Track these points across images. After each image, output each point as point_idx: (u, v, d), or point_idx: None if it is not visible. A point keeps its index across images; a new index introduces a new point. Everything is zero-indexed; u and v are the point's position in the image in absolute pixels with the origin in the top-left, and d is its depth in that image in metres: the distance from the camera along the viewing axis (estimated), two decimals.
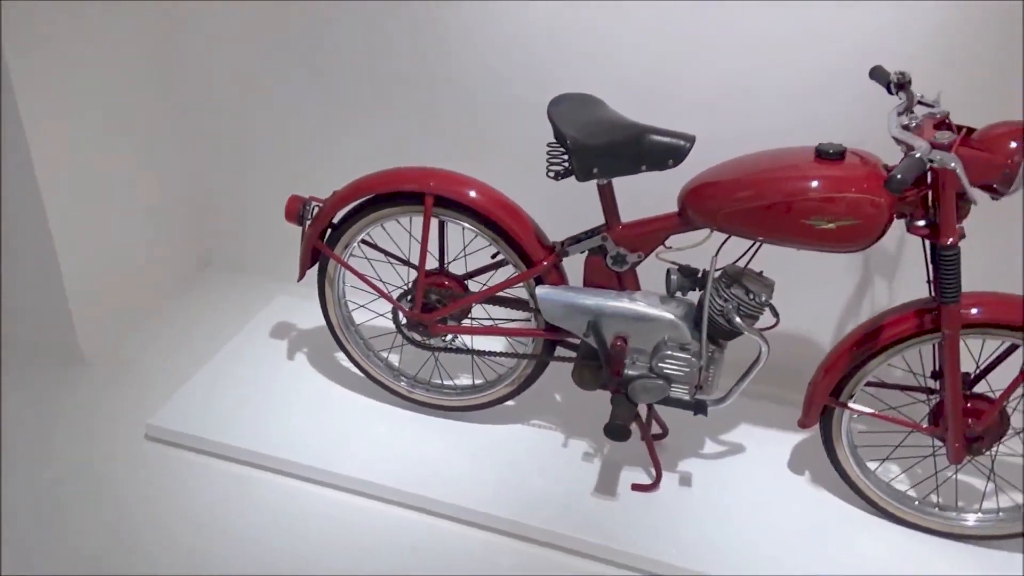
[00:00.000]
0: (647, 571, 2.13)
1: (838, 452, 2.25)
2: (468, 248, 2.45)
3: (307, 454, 2.35)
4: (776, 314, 2.19)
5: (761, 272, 2.12)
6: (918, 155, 1.63)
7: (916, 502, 2.26)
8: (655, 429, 2.48)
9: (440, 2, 2.48)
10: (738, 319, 2.07)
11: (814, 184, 1.86)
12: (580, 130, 1.97)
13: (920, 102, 1.95)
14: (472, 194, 2.14)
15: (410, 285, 2.36)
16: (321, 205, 2.29)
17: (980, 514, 2.22)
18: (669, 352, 2.12)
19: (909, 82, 1.96)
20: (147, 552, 2.11)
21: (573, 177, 2.02)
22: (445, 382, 2.53)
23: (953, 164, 1.70)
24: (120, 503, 2.25)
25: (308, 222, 2.30)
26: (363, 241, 2.34)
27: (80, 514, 2.21)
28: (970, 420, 2.05)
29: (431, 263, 2.38)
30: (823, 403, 2.16)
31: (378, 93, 2.68)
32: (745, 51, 2.31)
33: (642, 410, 2.37)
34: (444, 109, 2.63)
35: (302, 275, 2.37)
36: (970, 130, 1.87)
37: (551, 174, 2.01)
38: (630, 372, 2.17)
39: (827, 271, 2.50)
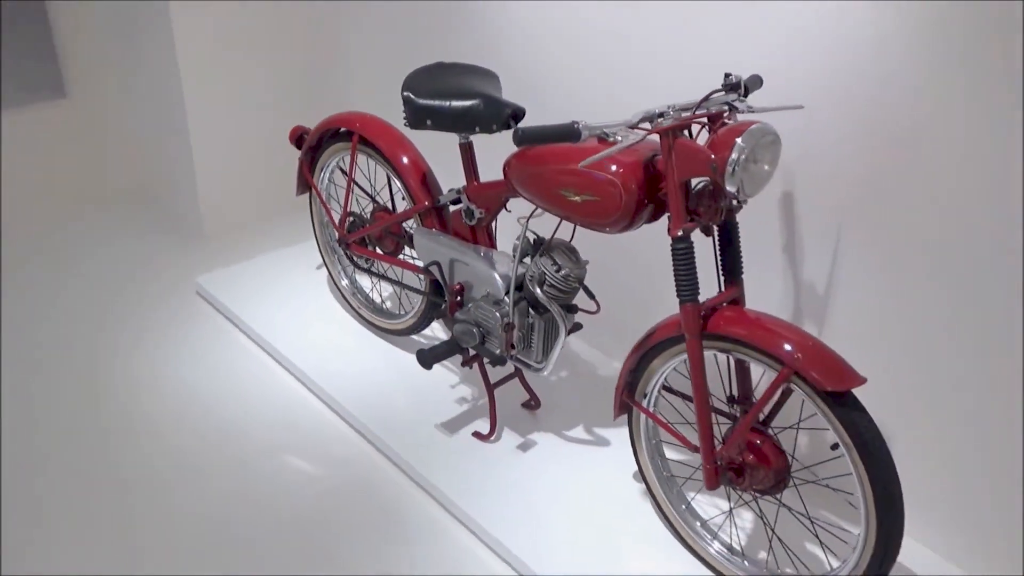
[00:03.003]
0: (437, 500, 2.34)
1: (639, 455, 2.20)
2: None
3: (282, 341, 2.91)
4: (593, 298, 2.23)
5: (573, 249, 2.20)
6: (574, 123, 1.67)
7: (711, 538, 2.11)
8: (522, 398, 2.61)
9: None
10: (539, 289, 2.18)
11: (569, 156, 1.94)
12: (429, 89, 2.27)
13: (730, 104, 1.87)
14: (381, 137, 2.55)
15: (365, 212, 2.83)
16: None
17: (745, 562, 2.01)
18: (483, 304, 2.30)
19: (737, 84, 1.89)
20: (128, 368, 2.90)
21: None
22: (375, 300, 2.94)
23: (619, 138, 1.69)
24: (149, 332, 3.08)
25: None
26: (341, 169, 2.87)
27: (116, 328, 3.11)
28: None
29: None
30: (618, 397, 2.15)
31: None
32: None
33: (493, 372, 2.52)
34: None
35: (298, 192, 2.97)
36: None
37: (405, 122, 2.34)
38: (459, 316, 2.39)
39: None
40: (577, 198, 1.94)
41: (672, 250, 1.82)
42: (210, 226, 3.63)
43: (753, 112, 1.86)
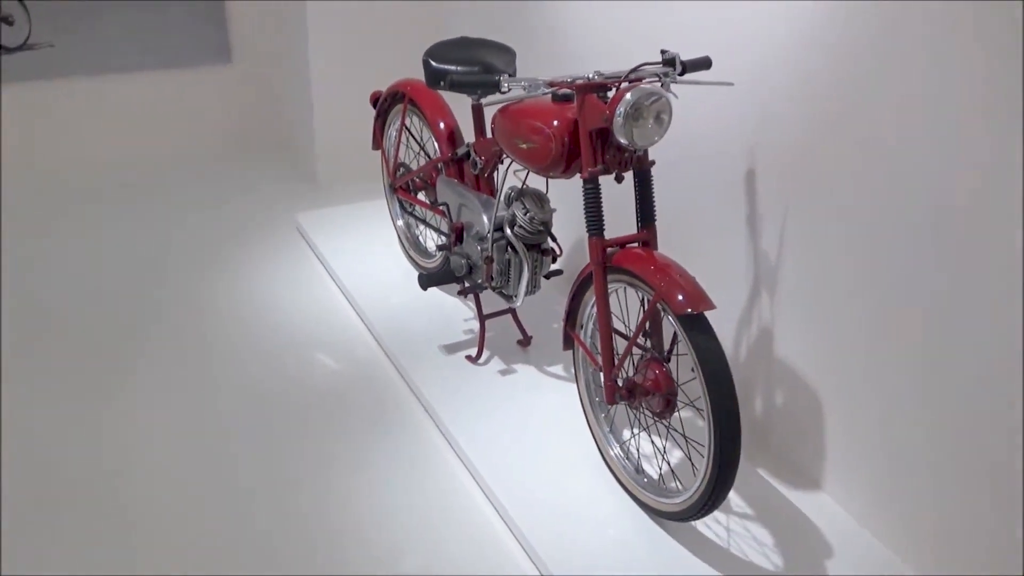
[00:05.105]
0: (421, 402, 2.79)
1: (577, 381, 2.51)
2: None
3: (343, 267, 3.49)
4: (555, 241, 2.58)
5: (543, 197, 2.55)
6: (496, 78, 2.05)
7: (629, 460, 2.39)
8: (519, 336, 2.99)
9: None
10: (508, 230, 2.56)
11: (525, 113, 2.31)
12: (444, 57, 2.72)
13: (659, 76, 2.15)
14: (423, 100, 3.03)
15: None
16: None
17: (634, 474, 2.29)
18: (473, 240, 2.72)
19: (672, 60, 2.17)
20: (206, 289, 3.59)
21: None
22: (419, 240, 3.41)
23: (520, 90, 2.04)
24: (250, 249, 3.77)
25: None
26: (406, 127, 3.37)
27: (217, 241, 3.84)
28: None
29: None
30: (564, 330, 2.47)
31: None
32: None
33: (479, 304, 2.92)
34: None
35: (373, 147, 3.51)
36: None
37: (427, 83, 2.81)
38: (456, 250, 2.82)
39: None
40: (524, 145, 2.31)
41: (583, 190, 2.15)
42: (323, 176, 4.32)
43: (677, 84, 2.14)
